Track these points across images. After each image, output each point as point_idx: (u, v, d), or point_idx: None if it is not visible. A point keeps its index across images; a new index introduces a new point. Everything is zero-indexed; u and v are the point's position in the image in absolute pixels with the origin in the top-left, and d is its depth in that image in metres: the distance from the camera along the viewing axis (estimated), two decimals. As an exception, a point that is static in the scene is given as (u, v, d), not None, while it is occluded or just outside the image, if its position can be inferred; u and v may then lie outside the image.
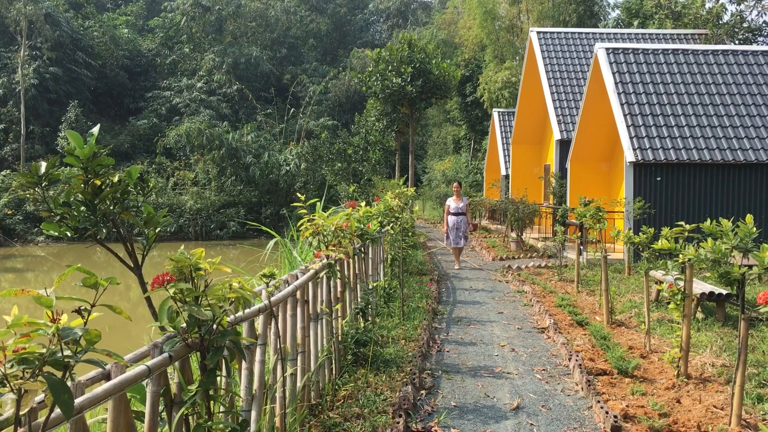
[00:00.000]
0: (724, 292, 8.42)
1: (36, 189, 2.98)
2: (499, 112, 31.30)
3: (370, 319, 7.75)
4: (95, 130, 3.08)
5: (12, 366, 1.93)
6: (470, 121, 45.40)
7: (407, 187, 20.69)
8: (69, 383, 2.06)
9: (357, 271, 7.76)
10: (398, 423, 4.86)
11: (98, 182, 3.06)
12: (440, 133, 52.41)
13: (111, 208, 3.09)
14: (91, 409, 2.32)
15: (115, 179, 3.13)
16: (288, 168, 35.79)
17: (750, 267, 5.10)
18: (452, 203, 14.68)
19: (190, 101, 46.60)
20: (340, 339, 6.35)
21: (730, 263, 4.98)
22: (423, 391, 5.96)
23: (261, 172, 35.78)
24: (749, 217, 4.94)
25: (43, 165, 2.97)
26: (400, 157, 30.74)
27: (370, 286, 8.70)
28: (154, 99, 48.21)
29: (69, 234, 3.09)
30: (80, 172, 3.01)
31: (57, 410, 2.07)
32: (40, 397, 2.19)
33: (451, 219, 14.64)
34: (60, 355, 2.02)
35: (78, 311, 2.19)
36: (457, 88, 33.98)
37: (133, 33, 53.63)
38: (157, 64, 51.48)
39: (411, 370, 6.33)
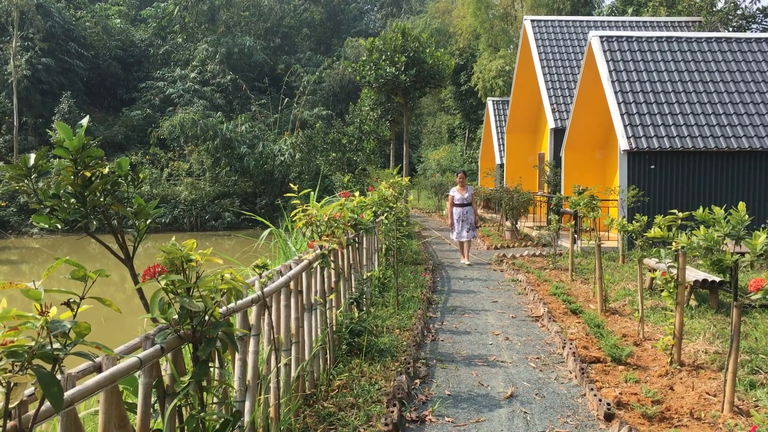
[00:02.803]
0: (717, 279, 8.45)
1: (26, 181, 2.97)
2: (493, 100, 31.27)
3: (364, 308, 7.75)
4: (84, 121, 3.06)
5: (1, 359, 1.93)
6: (465, 110, 45.35)
7: (402, 176, 20.66)
8: (59, 376, 2.05)
9: (351, 261, 7.76)
10: (392, 412, 4.87)
11: (88, 174, 3.04)
12: (435, 122, 52.36)
13: (101, 199, 3.07)
14: (82, 402, 2.32)
15: (106, 171, 3.11)
16: (282, 158, 35.70)
17: (742, 254, 5.11)
18: (456, 194, 13.84)
19: (183, 92, 46.37)
20: (334, 329, 6.36)
21: (722, 251, 4.99)
22: (417, 381, 5.97)
23: (255, 162, 35.70)
24: (741, 205, 4.95)
25: (33, 157, 2.95)
26: (395, 147, 30.64)
27: (365, 276, 8.70)
28: (148, 89, 47.97)
29: (59, 226, 3.08)
30: (70, 163, 2.99)
31: (47, 403, 2.06)
32: (29, 390, 2.19)
33: (456, 211, 13.79)
34: (49, 347, 2.02)
35: (67, 304, 2.18)
36: (451, 77, 33.87)
37: (126, 23, 53.27)
38: (150, 55, 51.17)
39: (405, 359, 6.35)
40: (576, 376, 6.03)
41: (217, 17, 51.26)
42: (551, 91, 21.75)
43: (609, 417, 4.93)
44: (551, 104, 21.37)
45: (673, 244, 5.91)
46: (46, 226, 3.06)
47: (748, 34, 16.90)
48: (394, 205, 10.66)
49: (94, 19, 49.25)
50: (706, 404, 5.23)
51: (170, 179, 38.00)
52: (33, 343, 1.99)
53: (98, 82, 48.32)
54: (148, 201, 3.19)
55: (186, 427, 2.98)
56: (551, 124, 20.99)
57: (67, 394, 2.17)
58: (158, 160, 39.61)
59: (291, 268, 5.03)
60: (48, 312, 2.04)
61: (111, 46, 48.93)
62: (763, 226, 4.80)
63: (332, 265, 6.31)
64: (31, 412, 2.08)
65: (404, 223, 15.03)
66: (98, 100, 48.40)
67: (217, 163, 37.13)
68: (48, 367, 2.03)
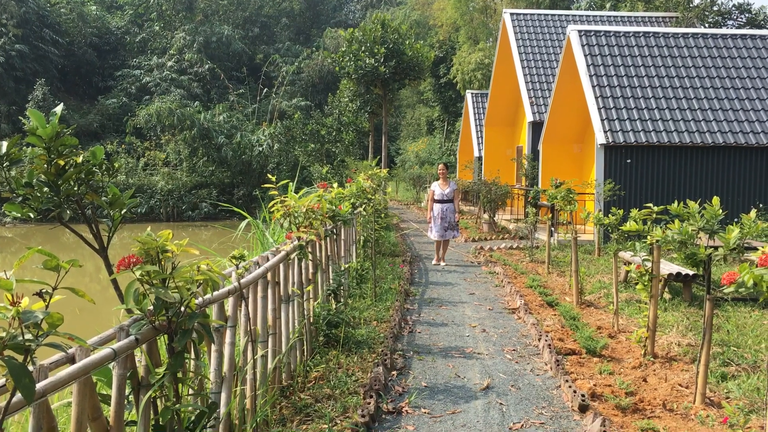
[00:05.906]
0: (691, 272, 8.56)
1: (-3, 169, 2.91)
2: (472, 93, 31.35)
3: (342, 300, 7.75)
4: (58, 109, 3.01)
5: (-29, 350, 1.89)
6: (444, 102, 45.43)
7: (380, 168, 20.66)
8: (30, 367, 2.02)
9: (329, 253, 7.75)
10: (369, 404, 4.88)
11: (62, 162, 3.00)
12: (414, 114, 52.39)
13: (75, 189, 3.03)
14: (55, 393, 2.29)
15: (80, 160, 3.06)
16: (261, 149, 35.45)
17: (716, 248, 5.17)
18: (437, 188, 12.76)
19: (160, 80, 45.85)
20: (311, 320, 6.34)
21: (696, 244, 5.06)
22: (394, 372, 5.98)
23: (233, 152, 35.41)
24: (716, 200, 5.02)
25: (5, 144, 2.90)
26: (374, 139, 30.63)
27: (343, 268, 8.69)
28: (124, 78, 47.35)
29: (32, 215, 3.03)
30: (43, 152, 2.94)
31: (18, 395, 2.03)
32: (0, 381, 2.15)
33: (437, 207, 12.65)
34: (21, 338, 1.98)
35: (39, 294, 2.15)
36: (430, 69, 33.89)
37: (102, 10, 52.49)
38: (126, 42, 50.48)
39: (382, 351, 6.36)
40: (551, 368, 6.08)
41: (194, 5, 50.68)
42: (530, 85, 21.85)
43: (583, 408, 4.98)
44: (529, 97, 21.47)
45: (648, 237, 5.97)
46: (19, 215, 3.01)
47: (723, 30, 17.09)
48: (373, 197, 10.65)
49: (69, 6, 48.42)
50: (679, 396, 5.30)
51: (146, 169, 37.56)
52: (4, 334, 1.95)
53: (73, 69, 47.59)
54: (124, 191, 3.15)
55: (161, 419, 2.96)
56: (529, 117, 21.09)
57: (39, 385, 2.14)
58: (134, 149, 39.11)
59: (268, 260, 5.01)
60: (20, 302, 2.01)
61: (86, 33, 48.17)
62: (736, 220, 4.87)
63: (310, 256, 6.29)
64: (2, 404, 2.05)
65: (382, 215, 15.02)
66: (73, 88, 47.68)
67: (194, 153, 36.75)
68: (19, 358, 2.00)
